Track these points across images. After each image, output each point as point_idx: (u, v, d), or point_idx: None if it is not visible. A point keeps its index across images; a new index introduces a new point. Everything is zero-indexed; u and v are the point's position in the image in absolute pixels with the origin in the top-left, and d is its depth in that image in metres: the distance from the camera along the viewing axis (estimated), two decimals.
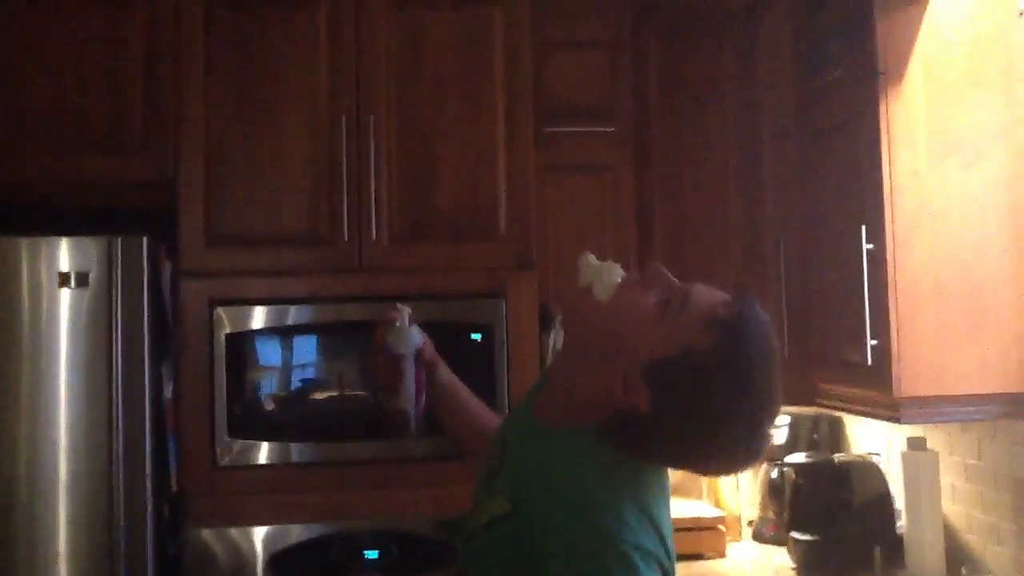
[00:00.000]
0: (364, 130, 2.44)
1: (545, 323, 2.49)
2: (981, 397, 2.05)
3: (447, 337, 2.46)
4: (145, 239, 2.30)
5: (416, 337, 1.47)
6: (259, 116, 2.44)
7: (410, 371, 1.45)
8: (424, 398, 1.48)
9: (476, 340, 2.42)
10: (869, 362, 2.07)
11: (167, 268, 2.39)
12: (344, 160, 2.42)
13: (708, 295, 1.15)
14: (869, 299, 2.08)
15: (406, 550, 2.37)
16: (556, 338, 2.47)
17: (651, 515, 1.12)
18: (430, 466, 2.37)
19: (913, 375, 2.02)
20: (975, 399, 2.05)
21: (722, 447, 1.12)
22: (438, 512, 2.37)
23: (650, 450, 1.15)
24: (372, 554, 2.34)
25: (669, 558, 1.12)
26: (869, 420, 2.43)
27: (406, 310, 1.48)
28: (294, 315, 2.43)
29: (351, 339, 2.48)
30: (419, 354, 1.47)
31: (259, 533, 2.36)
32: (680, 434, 1.12)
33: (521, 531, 1.12)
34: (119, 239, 2.28)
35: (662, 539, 1.12)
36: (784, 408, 2.75)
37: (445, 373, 1.54)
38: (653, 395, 1.11)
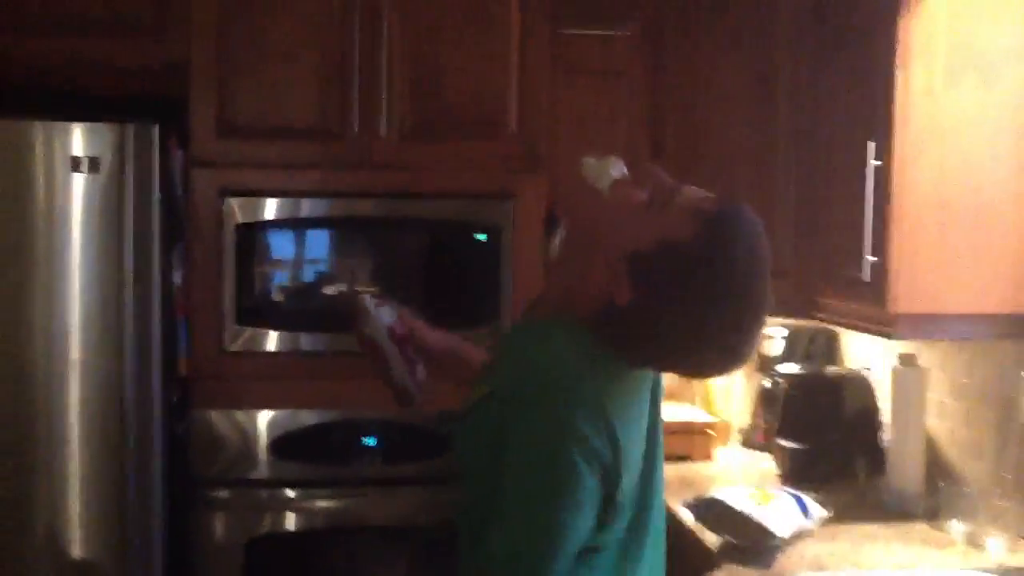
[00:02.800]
0: (376, 24, 2.42)
1: (550, 226, 2.51)
2: (976, 317, 2.08)
3: (452, 237, 2.52)
4: (156, 126, 2.31)
5: (385, 318, 1.48)
6: (272, 6, 2.42)
7: (391, 351, 1.47)
8: (419, 368, 1.51)
9: (481, 241, 2.45)
10: (867, 278, 2.09)
11: (178, 156, 2.42)
12: (355, 54, 2.41)
13: (696, 193, 1.16)
14: (872, 216, 2.09)
15: (404, 439, 2.45)
16: (559, 240, 2.49)
17: (606, 409, 1.13)
18: None
19: (909, 293, 2.04)
20: (970, 319, 2.07)
21: (699, 346, 1.14)
22: (439, 403, 2.44)
23: (629, 344, 1.17)
24: (370, 441, 2.43)
25: (615, 458, 1.13)
26: (865, 335, 2.46)
27: (367, 297, 1.50)
28: (304, 208, 2.46)
29: (360, 233, 2.52)
30: (392, 332, 1.48)
31: (264, 417, 2.44)
32: (657, 328, 1.13)
33: (496, 411, 1.15)
34: (131, 125, 2.30)
35: (613, 438, 1.13)
36: (782, 320, 2.81)
37: (431, 337, 1.54)
38: (634, 287, 1.12)
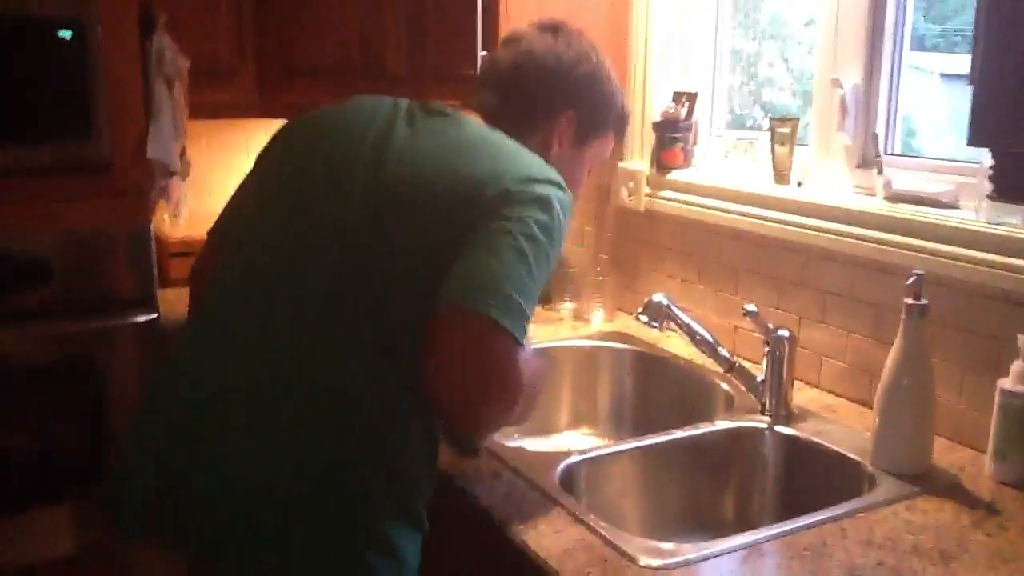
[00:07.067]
0: None
1: (147, 27, 2.26)
2: None
3: (31, 35, 2.16)
4: None
5: None
6: None
7: None
8: None
9: (65, 39, 2.14)
10: (477, 73, 2.14)
11: None
12: None
13: None
14: (481, 15, 2.13)
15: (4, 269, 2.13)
16: (159, 43, 2.26)
17: None
18: (52, 180, 2.14)
19: None
20: None
21: None
22: (61, 228, 2.16)
23: None
24: None
25: None
26: None
27: None
28: None
29: None
30: None
31: None
32: None
33: None
34: None
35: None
36: None
37: None
38: None
